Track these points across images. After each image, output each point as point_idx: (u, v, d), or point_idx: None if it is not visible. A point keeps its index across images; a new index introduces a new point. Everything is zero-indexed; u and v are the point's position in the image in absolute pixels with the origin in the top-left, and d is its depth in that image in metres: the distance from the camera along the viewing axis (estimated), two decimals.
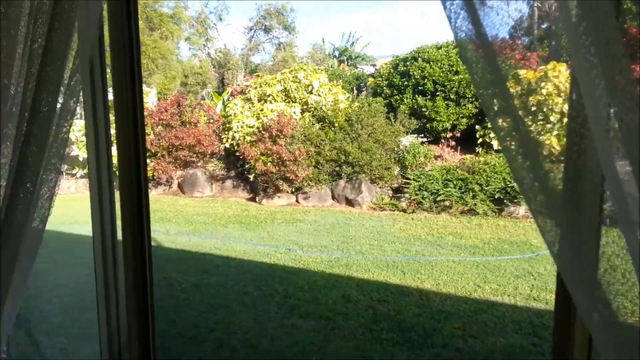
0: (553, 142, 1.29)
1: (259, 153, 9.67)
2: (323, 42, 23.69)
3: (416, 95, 11.01)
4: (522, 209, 8.17)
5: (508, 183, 8.14)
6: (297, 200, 9.79)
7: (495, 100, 1.14)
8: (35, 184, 1.05)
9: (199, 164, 11.03)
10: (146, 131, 8.13)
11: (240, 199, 10.27)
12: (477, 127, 10.05)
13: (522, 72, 1.29)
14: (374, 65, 19.22)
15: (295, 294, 4.81)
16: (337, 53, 22.39)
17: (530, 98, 1.30)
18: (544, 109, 1.48)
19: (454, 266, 5.75)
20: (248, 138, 10.10)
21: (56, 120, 1.02)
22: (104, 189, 1.25)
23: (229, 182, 10.80)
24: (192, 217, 8.64)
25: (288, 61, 19.07)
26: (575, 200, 0.97)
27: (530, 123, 1.22)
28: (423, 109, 10.83)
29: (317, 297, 4.76)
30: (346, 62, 21.23)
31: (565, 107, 1.24)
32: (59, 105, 1.04)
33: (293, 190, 9.74)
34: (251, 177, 10.12)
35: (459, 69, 10.40)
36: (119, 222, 1.20)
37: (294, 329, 4.06)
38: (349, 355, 3.64)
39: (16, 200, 1.03)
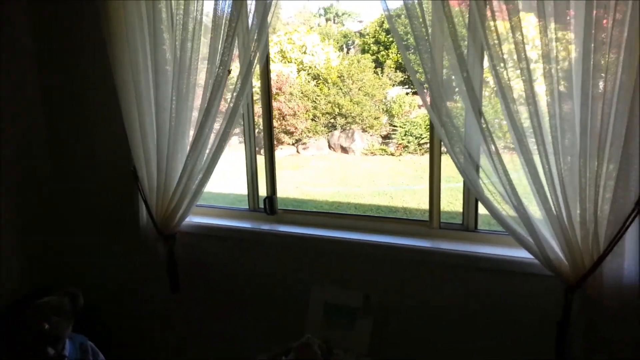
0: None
1: (261, 110, 10.80)
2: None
3: (423, 37, 12.06)
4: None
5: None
6: (297, 151, 11.01)
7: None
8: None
9: None
10: None
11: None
12: (452, 77, 11.18)
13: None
14: (360, 21, 19.94)
15: None
16: (322, 11, 22.98)
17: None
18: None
19: None
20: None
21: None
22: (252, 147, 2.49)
23: (235, 138, 11.97)
24: None
25: (273, 23, 19.70)
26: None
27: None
28: None
29: None
30: (333, 20, 21.92)
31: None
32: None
33: (293, 142, 10.94)
34: (255, 132, 11.27)
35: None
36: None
37: None
38: None
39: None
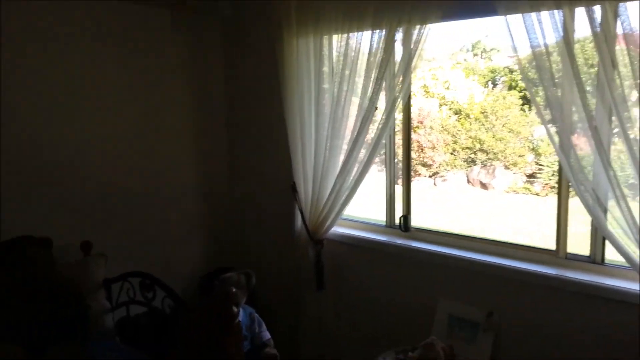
0: None
1: (400, 141, 11.14)
2: (455, 35, 24.07)
3: (552, 87, 11.50)
4: None
5: None
6: (434, 184, 11.05)
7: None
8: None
9: None
10: None
11: (384, 181, 11.84)
12: (613, 118, 10.30)
13: None
14: (511, 57, 19.24)
15: None
16: (470, 46, 22.67)
17: None
18: None
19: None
20: None
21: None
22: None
23: (374, 166, 12.45)
24: None
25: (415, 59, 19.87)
26: None
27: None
28: None
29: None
30: (480, 55, 21.52)
31: None
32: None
33: (431, 174, 11.02)
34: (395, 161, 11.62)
35: (593, 63, 10.68)
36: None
37: None
38: None
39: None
